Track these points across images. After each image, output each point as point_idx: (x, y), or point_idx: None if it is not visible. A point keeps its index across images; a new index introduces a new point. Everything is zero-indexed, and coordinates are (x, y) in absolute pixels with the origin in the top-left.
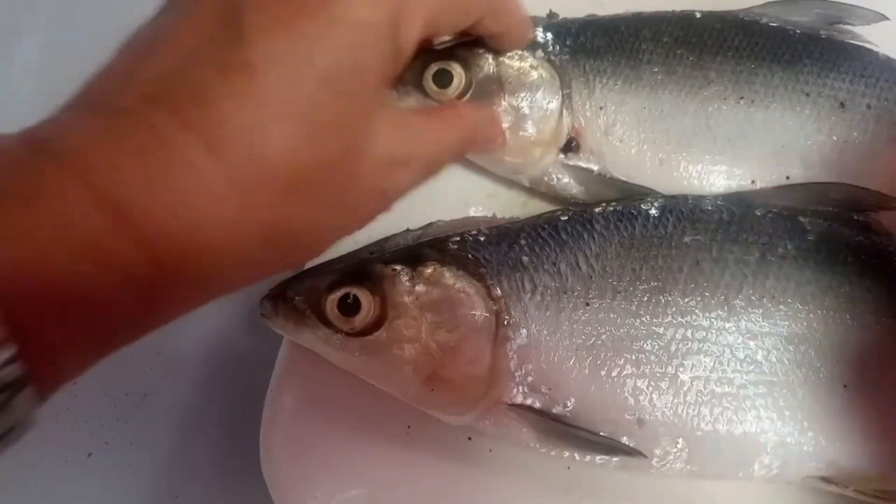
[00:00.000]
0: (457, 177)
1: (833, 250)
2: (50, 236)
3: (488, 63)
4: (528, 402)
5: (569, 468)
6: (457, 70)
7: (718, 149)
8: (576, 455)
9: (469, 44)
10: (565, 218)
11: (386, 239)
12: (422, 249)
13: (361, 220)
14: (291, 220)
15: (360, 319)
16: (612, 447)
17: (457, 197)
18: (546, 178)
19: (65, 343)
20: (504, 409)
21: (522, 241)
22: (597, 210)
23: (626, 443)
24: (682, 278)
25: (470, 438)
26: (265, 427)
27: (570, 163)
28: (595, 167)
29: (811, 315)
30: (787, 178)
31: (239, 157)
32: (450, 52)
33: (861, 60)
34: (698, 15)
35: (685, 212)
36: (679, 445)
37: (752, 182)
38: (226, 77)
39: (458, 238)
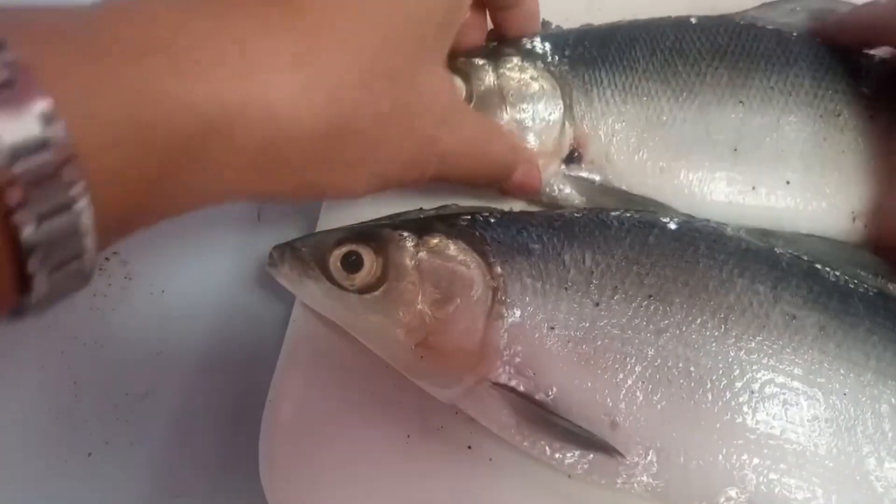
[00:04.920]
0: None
1: (845, 301)
2: (117, 73)
3: (489, 75)
4: (513, 383)
5: (569, 477)
6: (458, 82)
7: (718, 155)
8: (547, 449)
9: (470, 55)
10: (579, 214)
11: (398, 214)
12: (431, 221)
13: (407, 168)
14: (354, 118)
15: (362, 277)
16: (588, 441)
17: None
18: (548, 190)
19: (119, 171)
20: (488, 387)
21: (531, 228)
22: (613, 213)
23: None
24: (686, 293)
25: (470, 447)
26: (264, 437)
27: (573, 174)
28: (597, 178)
29: (808, 358)
30: (788, 182)
31: (314, 30)
32: (450, 64)
33: (856, 62)
34: (693, 21)
35: (704, 232)
36: (649, 458)
37: (753, 188)
38: None
39: (469, 217)
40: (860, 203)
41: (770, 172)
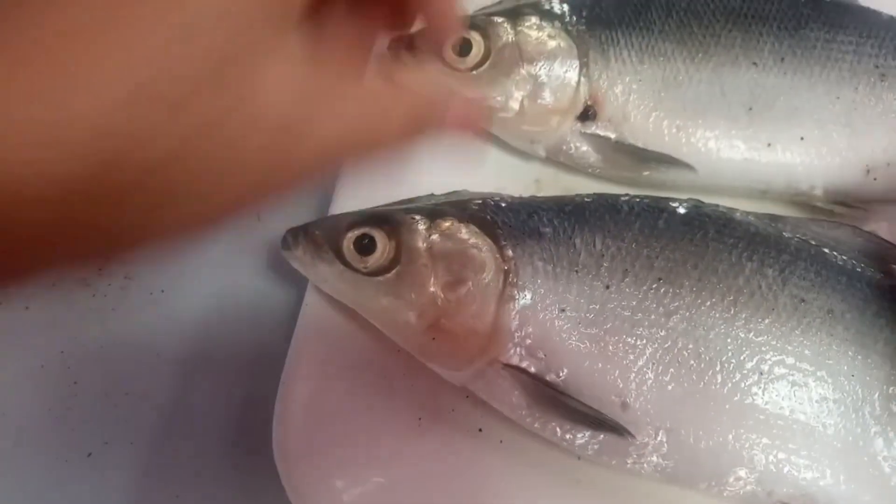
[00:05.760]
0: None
1: (852, 285)
2: None
3: (507, 32)
4: (524, 364)
5: (579, 459)
6: (476, 39)
7: (733, 114)
8: (558, 430)
9: (488, 13)
10: (589, 199)
11: (410, 200)
12: (442, 206)
13: (261, 187)
14: (131, 150)
15: (374, 260)
16: (599, 421)
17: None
18: (564, 148)
19: None
20: (499, 369)
21: (542, 213)
22: (623, 198)
23: None
24: (696, 275)
25: (481, 430)
26: (277, 420)
27: (588, 131)
28: (612, 135)
29: (816, 340)
30: (802, 138)
31: (74, 57)
32: (468, 22)
33: (865, 21)
34: None
35: (713, 216)
36: (659, 438)
37: (769, 145)
38: None
39: (480, 201)
40: (873, 157)
41: (785, 130)
